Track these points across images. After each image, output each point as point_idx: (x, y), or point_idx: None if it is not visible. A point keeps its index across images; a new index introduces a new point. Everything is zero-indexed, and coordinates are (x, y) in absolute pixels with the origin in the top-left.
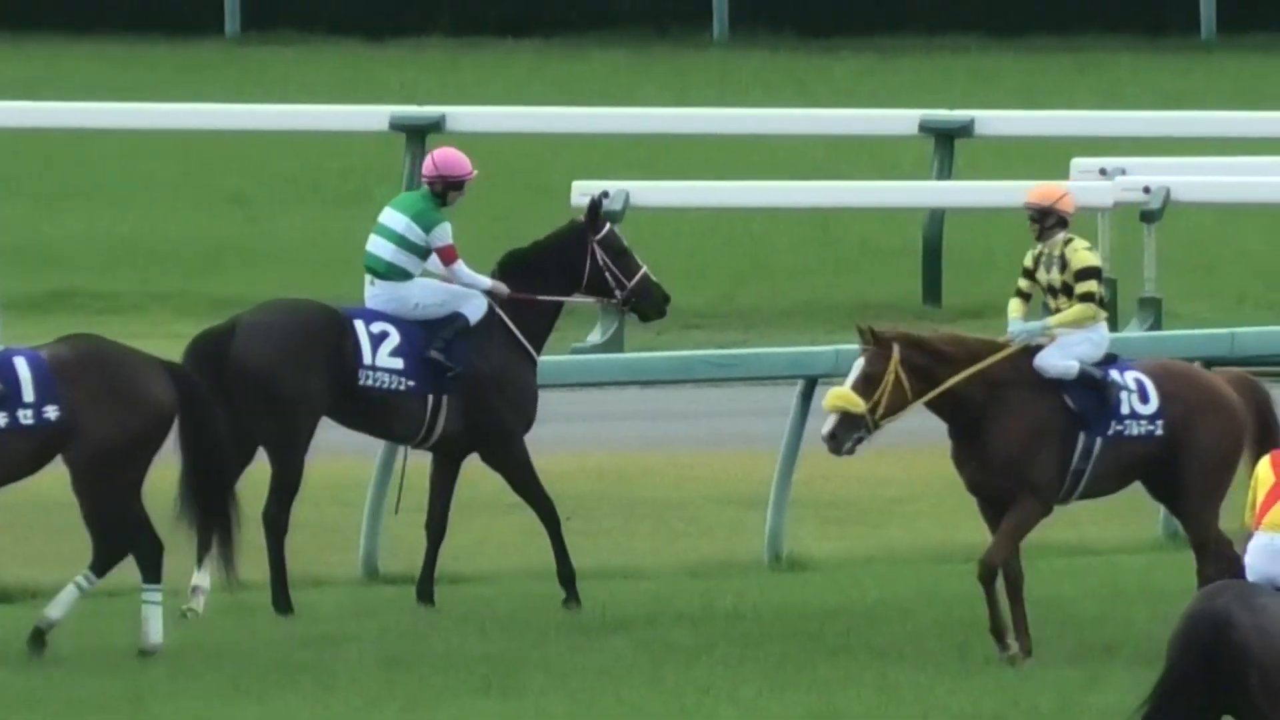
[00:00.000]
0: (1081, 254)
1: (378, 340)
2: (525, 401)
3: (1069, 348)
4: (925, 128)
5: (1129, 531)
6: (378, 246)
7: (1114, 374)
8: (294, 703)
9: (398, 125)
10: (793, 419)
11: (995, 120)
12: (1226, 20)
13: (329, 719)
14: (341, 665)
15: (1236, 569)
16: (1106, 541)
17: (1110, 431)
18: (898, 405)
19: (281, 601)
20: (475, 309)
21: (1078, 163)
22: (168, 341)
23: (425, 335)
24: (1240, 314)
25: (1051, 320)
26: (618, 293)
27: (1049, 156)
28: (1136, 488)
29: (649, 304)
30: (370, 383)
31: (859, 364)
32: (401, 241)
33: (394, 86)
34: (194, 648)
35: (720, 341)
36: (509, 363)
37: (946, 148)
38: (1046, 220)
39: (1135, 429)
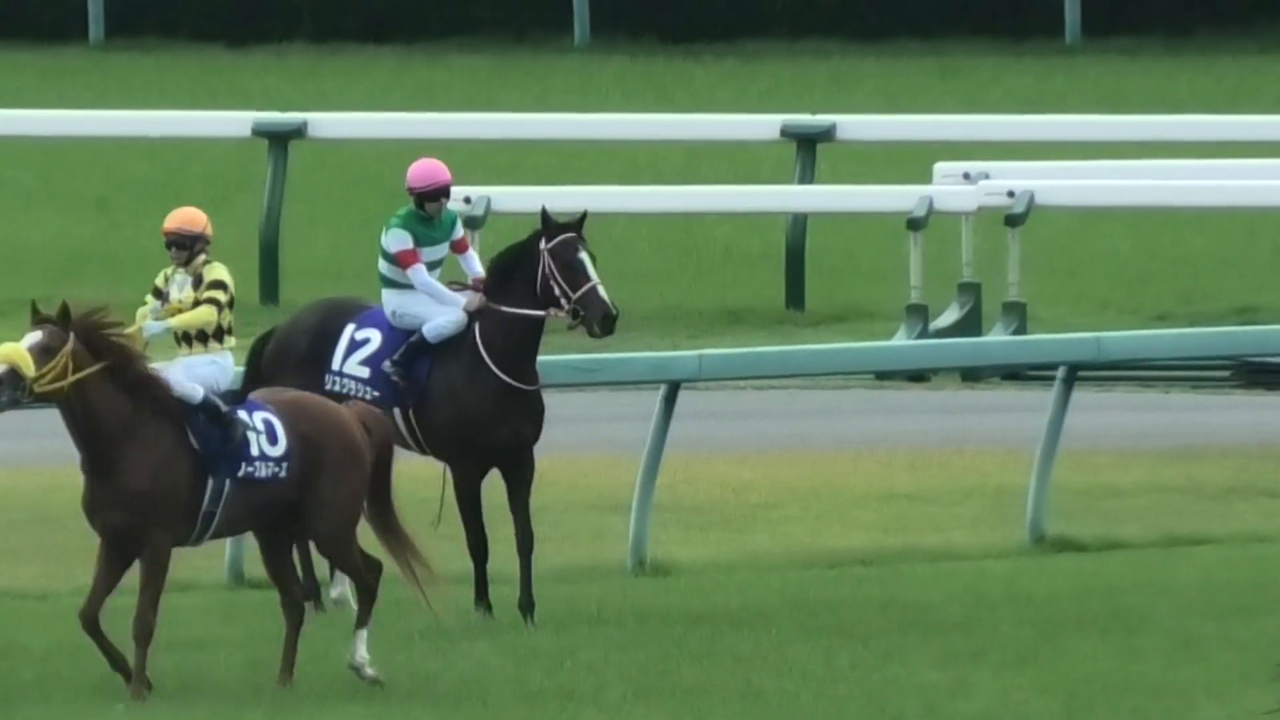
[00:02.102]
0: (216, 268)
1: (355, 346)
2: (464, 423)
3: (193, 369)
4: (787, 132)
5: (995, 536)
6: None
7: (242, 413)
8: (159, 708)
9: (260, 131)
10: (655, 424)
11: (857, 125)
12: (1090, 24)
13: None
14: (208, 670)
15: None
16: (972, 547)
17: (240, 473)
18: (59, 381)
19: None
20: (446, 322)
21: (940, 167)
22: None
23: (398, 346)
24: (1104, 319)
25: (174, 321)
26: (564, 303)
27: (911, 160)
28: (998, 492)
29: (590, 317)
30: (334, 388)
31: (40, 334)
32: (381, 251)
33: (256, 93)
34: (60, 651)
35: (582, 346)
36: (467, 380)
37: (809, 152)
38: (195, 245)
39: (264, 470)
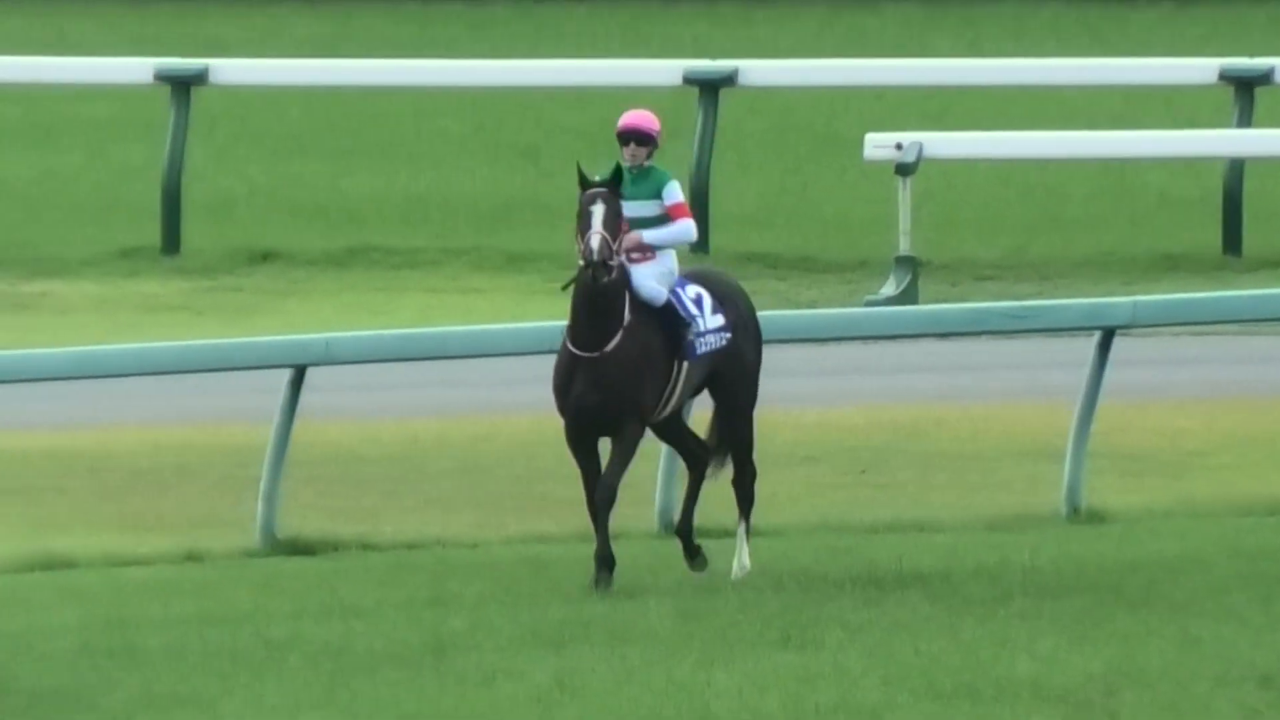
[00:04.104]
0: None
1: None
2: (553, 389)
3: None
4: (1225, 76)
5: None
6: None
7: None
8: (590, 655)
9: (691, 80)
10: (1090, 370)
11: None
12: None
13: (625, 671)
14: (638, 617)
15: None
16: None
17: None
18: None
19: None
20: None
21: None
22: (463, 296)
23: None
24: None
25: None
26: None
27: None
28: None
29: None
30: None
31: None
32: None
33: (686, 41)
34: (492, 600)
35: (1015, 293)
36: (561, 347)
37: (1247, 96)
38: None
39: None
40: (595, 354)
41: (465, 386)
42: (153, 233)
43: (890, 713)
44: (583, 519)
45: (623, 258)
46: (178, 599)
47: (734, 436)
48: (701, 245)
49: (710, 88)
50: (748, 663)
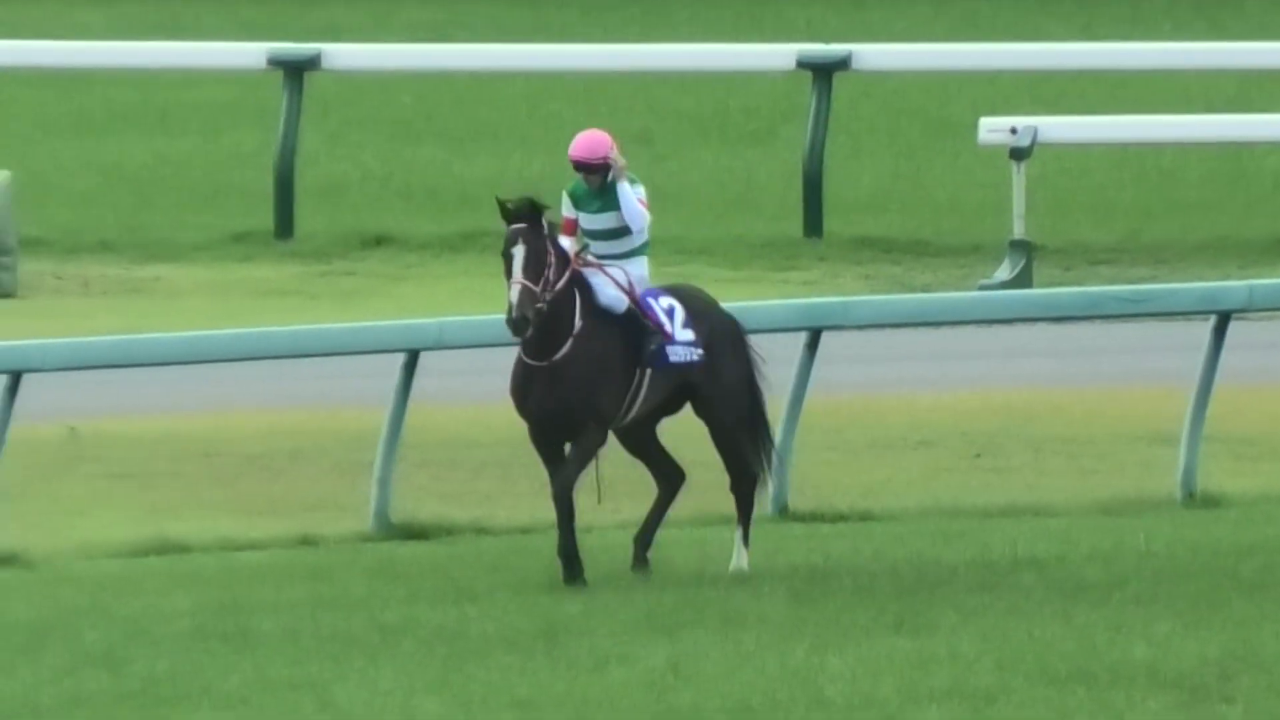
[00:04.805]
0: None
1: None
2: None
3: None
4: None
5: None
6: None
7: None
8: (704, 640)
9: (804, 64)
10: (1206, 354)
11: None
12: None
13: (739, 656)
14: (751, 603)
15: None
16: None
17: None
18: None
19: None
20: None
21: None
22: None
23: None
24: None
25: None
26: None
27: None
28: None
29: None
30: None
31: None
32: None
33: (800, 25)
34: (606, 584)
35: (1129, 277)
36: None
37: None
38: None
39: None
40: (545, 363)
41: None
42: (265, 217)
43: (1004, 697)
44: (696, 503)
45: (568, 273)
46: (291, 583)
47: (730, 454)
48: (815, 230)
49: (824, 72)
50: (861, 647)
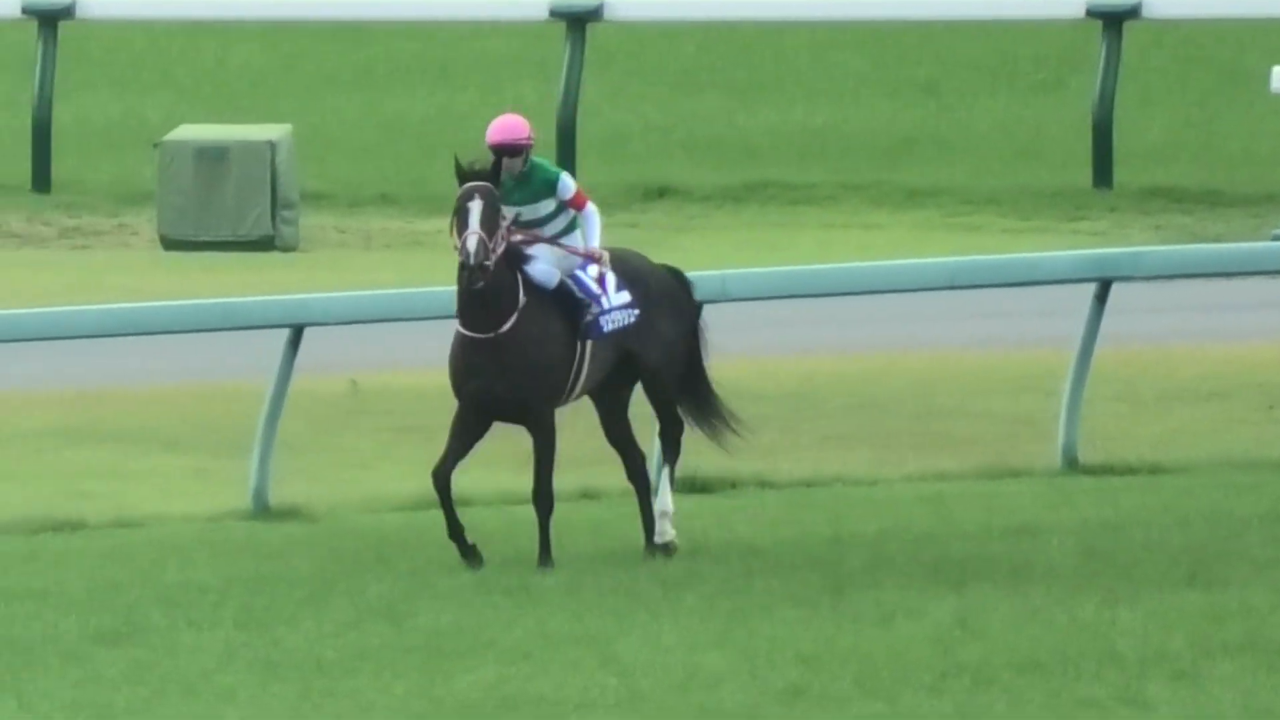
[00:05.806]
0: None
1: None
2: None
3: None
4: None
5: None
6: None
7: None
8: (992, 594)
9: (1094, 13)
10: None
11: None
12: None
13: (1028, 610)
14: (1040, 556)
15: None
16: None
17: None
18: None
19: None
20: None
21: None
22: (863, 232)
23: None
24: None
25: None
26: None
27: None
28: None
29: None
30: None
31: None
32: None
33: None
34: (891, 538)
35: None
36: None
37: None
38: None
39: None
40: (489, 335)
41: (863, 323)
42: None
43: None
44: (981, 457)
45: (505, 244)
46: (573, 537)
47: (657, 398)
48: (1104, 180)
49: (1114, 20)
50: (1152, 601)
